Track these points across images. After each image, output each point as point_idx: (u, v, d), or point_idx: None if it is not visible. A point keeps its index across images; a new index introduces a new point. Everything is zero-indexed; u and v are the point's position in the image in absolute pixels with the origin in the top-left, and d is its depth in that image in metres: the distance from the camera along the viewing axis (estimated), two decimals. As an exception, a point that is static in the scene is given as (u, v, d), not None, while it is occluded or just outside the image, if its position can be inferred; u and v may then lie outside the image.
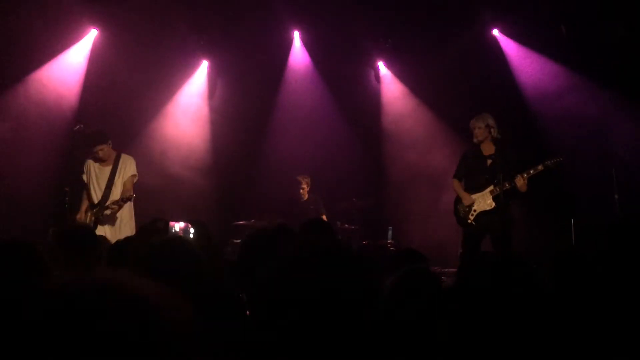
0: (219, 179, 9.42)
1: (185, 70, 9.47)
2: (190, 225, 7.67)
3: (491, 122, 6.53)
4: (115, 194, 6.72)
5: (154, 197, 8.15)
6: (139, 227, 5.37)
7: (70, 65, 8.50)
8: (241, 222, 8.51)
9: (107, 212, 6.58)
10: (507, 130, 6.67)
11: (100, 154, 6.71)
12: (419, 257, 3.47)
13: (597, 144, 7.93)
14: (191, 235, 7.04)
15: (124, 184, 6.79)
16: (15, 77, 8.00)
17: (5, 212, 7.40)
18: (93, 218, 6.62)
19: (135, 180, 6.90)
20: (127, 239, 3.83)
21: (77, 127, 6.77)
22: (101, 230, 6.43)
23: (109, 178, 6.76)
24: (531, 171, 6.28)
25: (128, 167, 6.84)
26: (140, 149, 8.52)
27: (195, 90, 9.58)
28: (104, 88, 8.50)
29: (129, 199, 6.56)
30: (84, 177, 6.80)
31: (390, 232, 8.99)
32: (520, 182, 6.26)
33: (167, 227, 5.24)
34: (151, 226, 4.30)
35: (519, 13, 8.49)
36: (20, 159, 7.74)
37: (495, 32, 8.98)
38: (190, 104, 9.50)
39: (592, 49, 8.09)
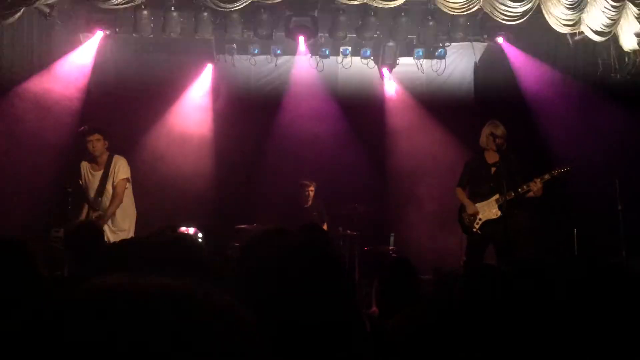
0: (221, 181, 9.40)
1: (189, 73, 9.46)
2: (198, 231, 7.62)
3: (498, 131, 6.46)
4: (105, 201, 6.44)
5: (155, 200, 8.14)
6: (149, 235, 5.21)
7: (75, 67, 8.49)
8: (243, 226, 8.47)
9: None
10: (511, 138, 6.64)
11: (90, 145, 6.37)
12: (408, 267, 3.44)
13: (601, 153, 7.90)
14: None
15: (114, 187, 6.45)
16: (19, 77, 7.98)
17: (6, 212, 7.35)
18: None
19: (127, 185, 6.57)
20: (133, 239, 3.84)
21: (82, 128, 6.67)
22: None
23: (99, 184, 6.46)
24: (546, 176, 6.26)
25: (118, 170, 6.50)
26: (143, 151, 8.51)
27: (200, 93, 9.57)
28: (108, 90, 8.48)
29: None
30: (81, 181, 6.57)
31: (392, 239, 8.95)
32: (537, 186, 6.24)
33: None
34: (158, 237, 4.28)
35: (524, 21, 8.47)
36: (23, 160, 7.70)
37: (500, 39, 8.97)
38: (194, 107, 9.49)
39: (597, 58, 8.07)
